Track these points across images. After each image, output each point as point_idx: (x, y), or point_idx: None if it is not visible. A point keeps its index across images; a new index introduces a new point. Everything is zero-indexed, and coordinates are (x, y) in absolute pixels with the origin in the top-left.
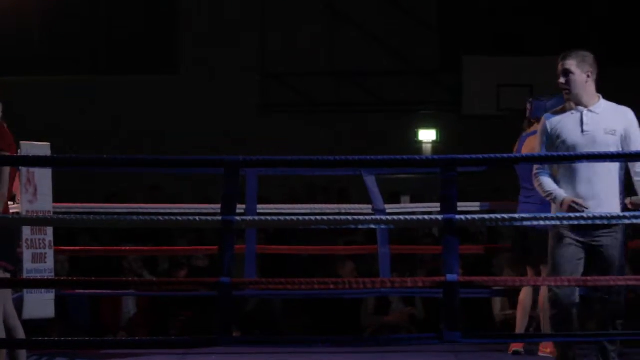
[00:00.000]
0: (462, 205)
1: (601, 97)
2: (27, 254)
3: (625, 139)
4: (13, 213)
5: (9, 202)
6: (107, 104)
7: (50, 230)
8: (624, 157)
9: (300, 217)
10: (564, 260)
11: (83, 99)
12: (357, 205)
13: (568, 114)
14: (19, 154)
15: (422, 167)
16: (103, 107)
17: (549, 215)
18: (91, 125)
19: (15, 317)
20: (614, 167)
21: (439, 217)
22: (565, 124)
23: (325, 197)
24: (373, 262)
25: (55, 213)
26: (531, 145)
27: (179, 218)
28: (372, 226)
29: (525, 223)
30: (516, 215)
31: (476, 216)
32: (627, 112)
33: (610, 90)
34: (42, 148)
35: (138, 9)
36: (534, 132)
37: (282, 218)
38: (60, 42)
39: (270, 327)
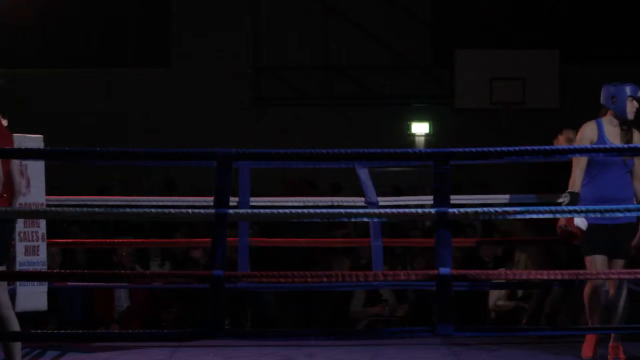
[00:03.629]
0: (454, 198)
1: None
2: (19, 247)
3: None
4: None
5: None
6: (99, 97)
7: (43, 223)
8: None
9: (293, 210)
10: None
11: (76, 91)
12: (350, 198)
13: None
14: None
15: (416, 160)
16: (96, 100)
17: (542, 208)
18: (84, 118)
19: (9, 308)
20: None
21: (432, 210)
22: None
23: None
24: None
25: (48, 205)
26: (581, 130)
27: (172, 210)
28: (365, 219)
29: (518, 216)
30: (509, 209)
31: (469, 209)
32: None
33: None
34: (34, 140)
35: (131, 2)
36: (595, 119)
37: (275, 211)
38: (54, 35)
39: (262, 320)
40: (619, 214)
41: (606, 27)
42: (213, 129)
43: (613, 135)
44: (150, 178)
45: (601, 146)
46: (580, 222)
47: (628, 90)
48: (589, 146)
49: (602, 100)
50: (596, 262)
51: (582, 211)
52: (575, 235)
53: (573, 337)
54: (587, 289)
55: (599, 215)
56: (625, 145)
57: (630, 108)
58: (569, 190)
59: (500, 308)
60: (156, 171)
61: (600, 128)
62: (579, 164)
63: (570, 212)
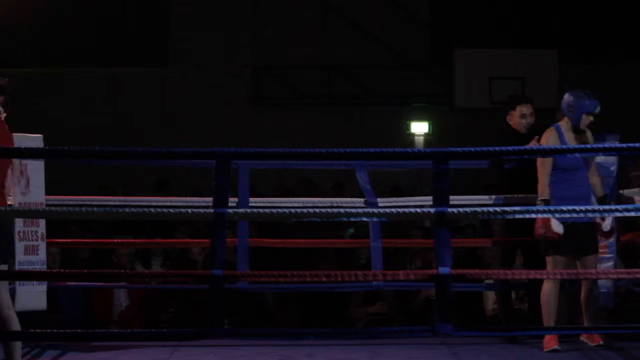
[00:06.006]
0: (454, 199)
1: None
2: (19, 246)
3: None
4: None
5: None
6: (97, 97)
7: (42, 223)
8: None
9: (293, 210)
10: None
11: (74, 91)
12: (349, 199)
13: None
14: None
15: (415, 159)
16: (93, 99)
17: (541, 207)
18: (82, 117)
19: (10, 308)
20: None
21: (431, 209)
22: None
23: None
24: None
25: (47, 205)
26: (544, 137)
27: (171, 210)
28: (364, 219)
29: (517, 216)
30: (508, 208)
31: (468, 209)
32: None
33: (613, 86)
34: (34, 140)
35: (130, 1)
36: (554, 125)
37: (274, 211)
38: (52, 34)
39: (262, 319)
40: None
41: (605, 27)
42: (212, 129)
43: (570, 139)
44: (148, 178)
45: (600, 146)
46: (557, 226)
47: (586, 106)
48: (588, 146)
49: (561, 105)
50: (557, 263)
51: (581, 210)
52: (553, 240)
53: (570, 337)
54: (545, 288)
55: (597, 215)
56: (625, 145)
57: (585, 121)
58: (540, 198)
59: (497, 311)
60: (154, 171)
61: (560, 134)
62: (545, 170)
63: (569, 211)
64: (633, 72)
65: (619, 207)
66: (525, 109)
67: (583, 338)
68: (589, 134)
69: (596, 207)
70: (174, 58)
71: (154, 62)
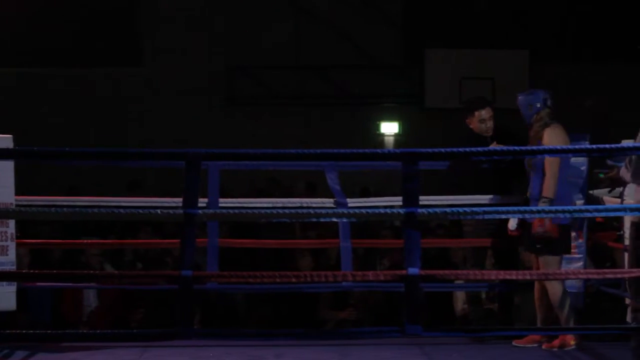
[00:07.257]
0: (424, 199)
1: None
2: None
3: None
4: None
5: None
6: (69, 97)
7: (12, 223)
8: None
9: (262, 210)
10: None
11: (45, 91)
12: (319, 200)
13: None
14: None
15: (384, 160)
16: (65, 99)
17: (511, 209)
18: (54, 118)
19: None
20: None
21: (401, 210)
22: None
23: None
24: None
25: (17, 206)
26: None
27: (140, 211)
28: (334, 219)
29: (487, 216)
30: (478, 209)
31: (438, 209)
32: None
33: (584, 86)
34: (4, 140)
35: (102, 0)
36: None
37: (244, 211)
38: (23, 35)
39: (231, 320)
40: None
41: (575, 27)
42: (185, 129)
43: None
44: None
45: (570, 147)
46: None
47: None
48: (559, 147)
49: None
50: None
51: (566, 211)
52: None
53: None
54: (558, 290)
55: (568, 215)
56: (594, 146)
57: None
58: None
59: (466, 311)
60: (124, 172)
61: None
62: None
63: (539, 212)
64: (604, 73)
65: (589, 207)
66: (484, 112)
67: (545, 347)
68: (546, 133)
69: (575, 207)
70: (147, 58)
71: (127, 62)
